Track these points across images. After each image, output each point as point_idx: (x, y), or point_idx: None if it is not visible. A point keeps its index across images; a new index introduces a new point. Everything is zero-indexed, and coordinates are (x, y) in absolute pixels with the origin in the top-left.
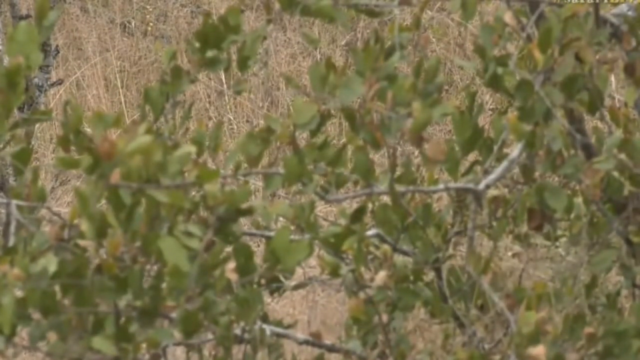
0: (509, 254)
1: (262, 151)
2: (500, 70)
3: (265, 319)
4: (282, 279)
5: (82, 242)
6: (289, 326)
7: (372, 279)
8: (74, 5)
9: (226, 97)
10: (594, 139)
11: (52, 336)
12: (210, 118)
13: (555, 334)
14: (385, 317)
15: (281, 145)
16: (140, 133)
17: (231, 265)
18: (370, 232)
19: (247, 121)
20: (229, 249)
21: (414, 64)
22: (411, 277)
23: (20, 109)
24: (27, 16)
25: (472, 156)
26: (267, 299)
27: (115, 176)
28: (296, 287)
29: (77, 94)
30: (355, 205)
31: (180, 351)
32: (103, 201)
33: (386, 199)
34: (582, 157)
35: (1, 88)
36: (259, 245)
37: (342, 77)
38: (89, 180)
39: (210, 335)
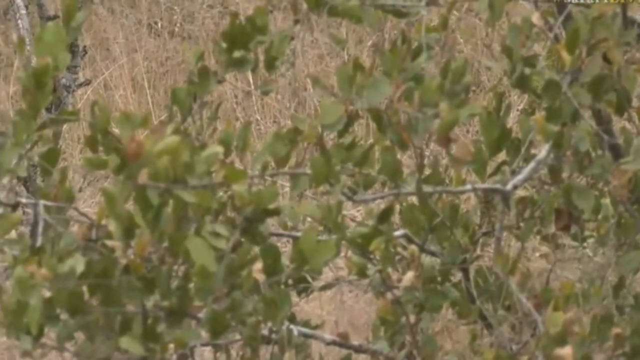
0: (537, 254)
1: (290, 152)
2: (527, 70)
3: (292, 319)
4: (309, 279)
5: (109, 243)
6: (316, 327)
7: (399, 280)
8: (101, 6)
9: (253, 98)
10: (622, 140)
11: (80, 336)
12: (237, 118)
13: (582, 335)
14: (412, 318)
15: (308, 145)
16: (168, 133)
17: (258, 265)
18: (397, 233)
19: (275, 122)
20: (256, 249)
21: (441, 64)
22: (439, 278)
23: (48, 110)
24: (55, 17)
25: (499, 157)
26: (294, 299)
27: (143, 176)
28: (324, 288)
29: (104, 95)
30: (382, 206)
31: (207, 351)
32: (131, 202)
33: (413, 199)
34: (610, 157)
35: (29, 88)
36: (286, 246)
37: (369, 78)
38: (116, 181)
39: (237, 336)
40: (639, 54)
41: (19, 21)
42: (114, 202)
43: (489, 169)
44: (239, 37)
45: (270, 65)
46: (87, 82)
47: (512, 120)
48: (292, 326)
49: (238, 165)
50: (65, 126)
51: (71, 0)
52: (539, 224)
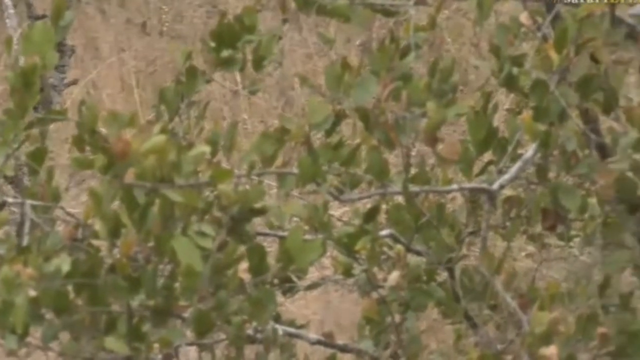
0: (523, 254)
1: (277, 151)
2: (515, 70)
3: (278, 319)
4: (295, 279)
5: (95, 242)
6: (301, 326)
7: (385, 279)
8: (90, 5)
9: (241, 97)
10: (609, 139)
11: (65, 336)
12: (224, 118)
13: (567, 334)
14: (398, 317)
15: (295, 145)
16: (155, 133)
17: (244, 265)
18: (383, 232)
19: (262, 121)
20: (242, 248)
21: (429, 63)
22: (424, 277)
23: (36, 109)
24: (43, 16)
25: (486, 156)
26: (280, 299)
27: (130, 176)
28: (309, 287)
29: (92, 94)
30: (369, 206)
31: (193, 351)
32: (117, 201)
33: (400, 199)
34: (597, 157)
35: (17, 88)
36: (272, 246)
37: (357, 77)
38: (103, 180)
39: (222, 335)
40: (627, 53)
41: (7, 20)
42: (100, 202)
43: (476, 168)
44: (227, 36)
45: (258, 64)
46: (75, 82)
47: (499, 120)
48: (277, 326)
49: (225, 164)
50: (52, 125)
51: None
52: (526, 223)
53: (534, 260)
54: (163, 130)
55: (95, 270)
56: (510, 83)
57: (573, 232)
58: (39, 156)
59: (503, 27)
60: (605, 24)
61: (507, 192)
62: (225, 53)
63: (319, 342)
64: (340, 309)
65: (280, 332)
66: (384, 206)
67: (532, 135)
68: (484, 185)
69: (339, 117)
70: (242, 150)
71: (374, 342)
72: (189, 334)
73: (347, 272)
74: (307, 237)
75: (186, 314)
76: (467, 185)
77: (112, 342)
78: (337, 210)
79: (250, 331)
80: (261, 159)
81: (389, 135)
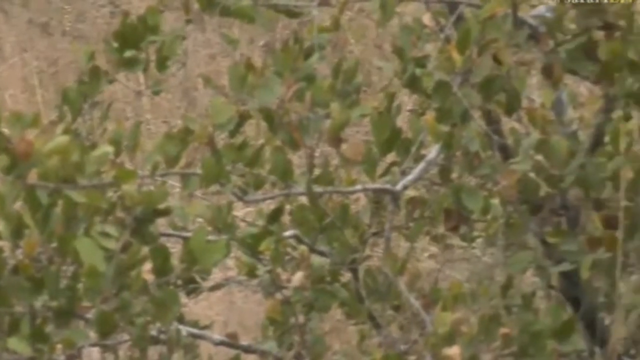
0: (426, 254)
1: (180, 152)
2: (418, 71)
3: (181, 319)
4: (199, 279)
5: None
6: (205, 327)
7: (289, 280)
8: None
9: (144, 98)
10: (511, 140)
11: None
12: (127, 118)
13: (470, 335)
14: (301, 318)
15: (199, 145)
16: (58, 133)
17: (148, 265)
18: (287, 233)
19: (165, 122)
20: (145, 249)
21: (332, 64)
22: (328, 278)
23: None
24: None
25: (390, 157)
26: (183, 299)
27: (32, 176)
28: (213, 288)
29: None
30: (272, 206)
31: (96, 352)
32: (20, 202)
33: (304, 199)
34: (499, 158)
35: None
36: (175, 246)
37: (261, 78)
38: (5, 181)
39: (126, 336)
40: (529, 54)
41: None
42: (3, 202)
43: (379, 169)
44: (130, 36)
45: (162, 65)
46: None
47: (402, 121)
48: (180, 326)
49: (128, 165)
50: None
51: None
52: (429, 224)
53: (437, 261)
54: (66, 131)
55: None
56: (413, 84)
57: (476, 233)
58: None
59: (406, 28)
60: (507, 25)
61: (411, 192)
62: (129, 53)
63: (222, 343)
64: (244, 309)
65: (184, 333)
66: (287, 207)
67: (435, 136)
68: (388, 186)
69: (243, 117)
70: (146, 150)
71: (278, 342)
72: (92, 334)
73: (251, 273)
74: (211, 237)
75: (89, 315)
76: (371, 186)
77: (15, 343)
78: (240, 211)
79: (153, 332)
80: (165, 160)
81: (293, 136)
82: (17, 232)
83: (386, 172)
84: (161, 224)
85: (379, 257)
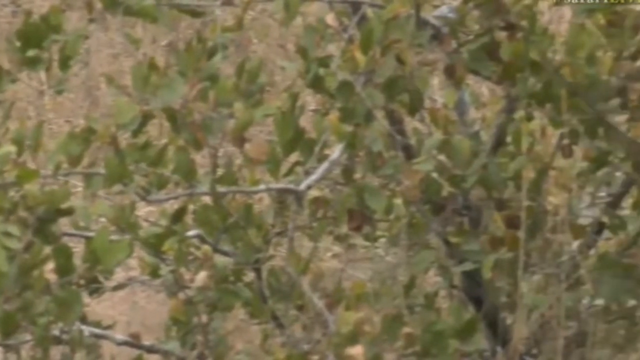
0: (329, 254)
1: (83, 151)
2: (322, 71)
3: (84, 319)
4: (101, 279)
5: None
6: (107, 327)
7: (192, 280)
8: None
9: (46, 97)
10: (414, 140)
11: None
12: (30, 118)
13: (373, 334)
14: (204, 318)
15: (102, 145)
16: None
17: (50, 265)
18: (190, 233)
19: (68, 121)
20: (48, 249)
21: (236, 64)
22: (231, 278)
23: None
24: None
25: (293, 157)
26: (86, 299)
27: None
28: (116, 288)
29: None
30: (176, 206)
31: None
32: None
33: (207, 199)
34: (402, 158)
35: None
36: (78, 246)
37: (164, 78)
38: None
39: (28, 336)
40: (432, 55)
41: None
42: None
43: (283, 169)
44: (33, 35)
45: (64, 64)
46: None
47: (306, 121)
48: (83, 326)
49: (31, 164)
50: None
51: None
52: (332, 224)
53: (340, 261)
54: None
55: None
56: (316, 84)
57: (379, 233)
58: None
59: (309, 28)
60: (410, 25)
61: (314, 192)
62: (31, 52)
63: (125, 343)
64: (147, 309)
65: (87, 333)
66: (191, 206)
67: (338, 136)
68: (291, 186)
69: (146, 117)
70: (48, 150)
71: (181, 342)
72: None
73: (154, 273)
74: (114, 237)
75: None
76: (274, 185)
77: None
78: (143, 211)
79: (56, 332)
80: (67, 159)
81: (196, 136)
82: None
83: (290, 172)
84: (64, 224)
85: (283, 257)
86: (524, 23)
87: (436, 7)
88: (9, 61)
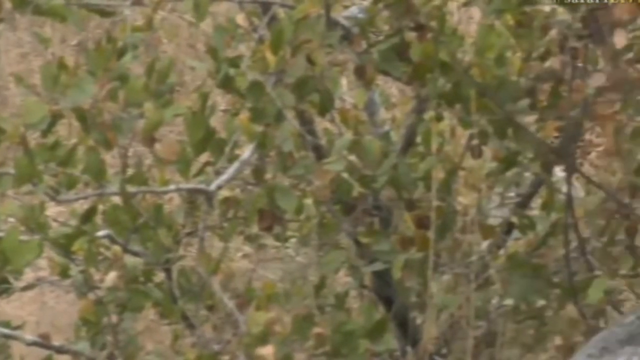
0: (240, 254)
1: None
2: (232, 71)
3: None
4: (11, 279)
5: None
6: (17, 327)
7: (102, 280)
8: None
9: None
10: (325, 141)
11: None
12: None
13: (284, 334)
14: (114, 318)
15: (11, 145)
16: None
17: None
18: (100, 233)
19: None
20: None
21: (146, 64)
22: (141, 278)
23: None
24: None
25: (203, 157)
26: None
27: None
28: (25, 288)
29: None
30: (86, 206)
31: None
32: None
33: (117, 199)
34: (313, 158)
35: None
36: None
37: (74, 77)
38: None
39: None
40: (342, 55)
41: None
42: None
43: (193, 169)
44: None
45: None
46: None
47: (216, 121)
48: None
49: None
50: None
51: None
52: (242, 224)
53: (251, 261)
54: None
55: None
56: (227, 84)
57: (289, 233)
58: None
59: (220, 28)
60: (320, 26)
61: (225, 192)
62: None
63: (34, 344)
64: (57, 310)
65: None
66: (101, 207)
67: (249, 136)
68: (202, 186)
69: (56, 117)
70: None
71: (91, 343)
72: None
73: (64, 273)
74: (23, 237)
75: None
76: (185, 185)
77: None
78: (53, 211)
79: None
80: None
81: (107, 136)
82: None
83: (200, 172)
84: None
85: (193, 257)
86: (433, 24)
87: (346, 7)
88: None
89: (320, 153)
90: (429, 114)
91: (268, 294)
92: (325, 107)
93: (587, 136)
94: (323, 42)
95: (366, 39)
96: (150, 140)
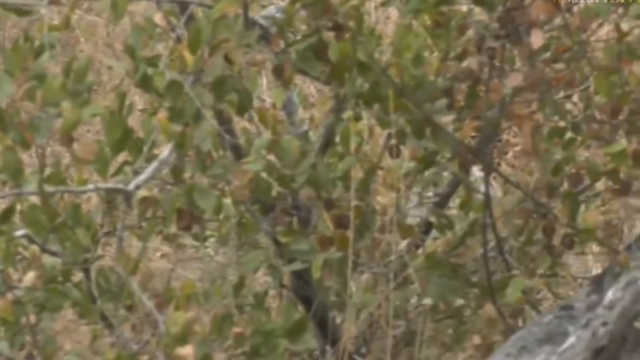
0: (158, 254)
1: None
2: (150, 70)
3: None
4: None
5: None
6: None
7: (20, 280)
8: None
9: None
10: (243, 140)
11: None
12: None
13: (203, 334)
14: (33, 318)
15: None
16: None
17: None
18: (18, 233)
19: None
20: None
21: (63, 63)
22: (60, 278)
23: None
24: None
25: (122, 157)
26: None
27: None
28: None
29: None
30: (3, 206)
31: None
32: None
33: (35, 199)
34: (232, 158)
35: None
36: None
37: None
38: None
39: None
40: (260, 55)
41: None
42: None
43: (112, 168)
44: None
45: None
46: None
47: (134, 120)
48: None
49: None
50: None
51: None
52: (161, 223)
53: (170, 261)
54: None
55: None
56: (145, 84)
57: (208, 232)
58: None
59: (137, 27)
60: (238, 25)
61: (143, 192)
62: None
63: None
64: None
65: None
66: (19, 206)
67: (167, 136)
68: (120, 186)
69: None
70: None
71: (10, 343)
72: None
73: None
74: None
75: None
76: (103, 185)
77: None
78: None
79: None
80: None
81: (24, 135)
82: None
83: (118, 171)
84: None
85: (112, 257)
86: (351, 24)
87: (264, 7)
88: None
89: (239, 153)
90: (348, 114)
91: (187, 293)
92: (243, 107)
93: (505, 136)
94: (241, 42)
95: (284, 39)
96: (68, 139)
